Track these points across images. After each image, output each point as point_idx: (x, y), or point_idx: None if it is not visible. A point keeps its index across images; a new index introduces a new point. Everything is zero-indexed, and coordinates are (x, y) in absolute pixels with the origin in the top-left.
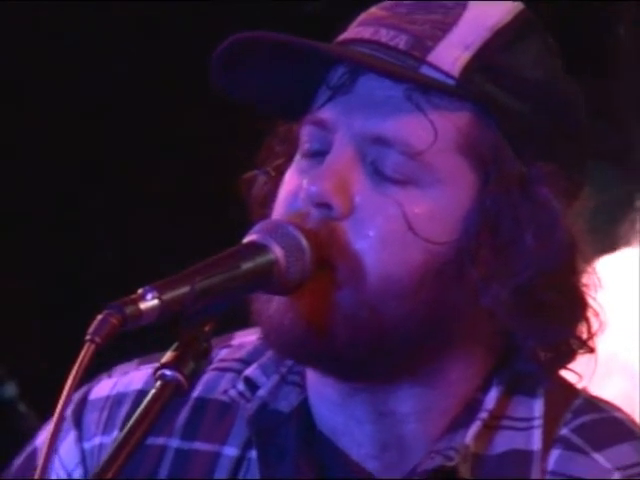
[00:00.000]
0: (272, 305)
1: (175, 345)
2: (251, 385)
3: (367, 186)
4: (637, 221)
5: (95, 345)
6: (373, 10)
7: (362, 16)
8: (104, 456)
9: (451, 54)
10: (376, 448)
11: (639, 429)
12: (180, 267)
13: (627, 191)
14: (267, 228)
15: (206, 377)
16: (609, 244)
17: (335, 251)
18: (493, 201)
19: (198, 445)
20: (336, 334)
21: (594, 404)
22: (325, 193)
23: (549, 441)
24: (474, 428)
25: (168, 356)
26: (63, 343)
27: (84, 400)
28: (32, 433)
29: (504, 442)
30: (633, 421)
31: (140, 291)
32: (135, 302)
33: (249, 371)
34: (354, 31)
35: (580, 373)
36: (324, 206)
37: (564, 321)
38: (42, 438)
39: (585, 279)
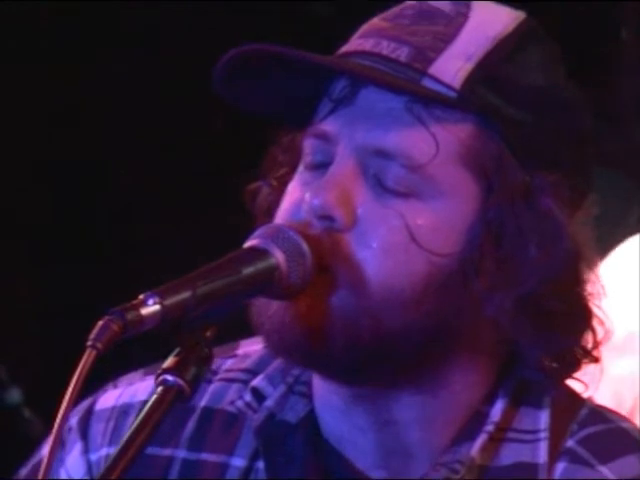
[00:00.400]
0: (272, 306)
1: (176, 350)
2: (258, 395)
3: (369, 198)
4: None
5: (96, 351)
6: (375, 21)
7: (364, 27)
8: (106, 463)
9: (453, 65)
10: (380, 457)
11: None
12: (182, 270)
13: (630, 196)
14: (268, 233)
15: (212, 387)
16: (610, 250)
17: (337, 259)
18: (496, 212)
19: (205, 456)
20: (334, 338)
21: (600, 414)
22: (327, 205)
23: (555, 453)
24: (480, 440)
25: (169, 361)
26: (67, 348)
27: (90, 411)
28: (37, 438)
29: (510, 454)
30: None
31: (141, 297)
32: (136, 308)
33: (256, 382)
34: (356, 43)
35: (585, 383)
36: (326, 218)
37: (569, 330)
38: (45, 450)
39: (590, 288)
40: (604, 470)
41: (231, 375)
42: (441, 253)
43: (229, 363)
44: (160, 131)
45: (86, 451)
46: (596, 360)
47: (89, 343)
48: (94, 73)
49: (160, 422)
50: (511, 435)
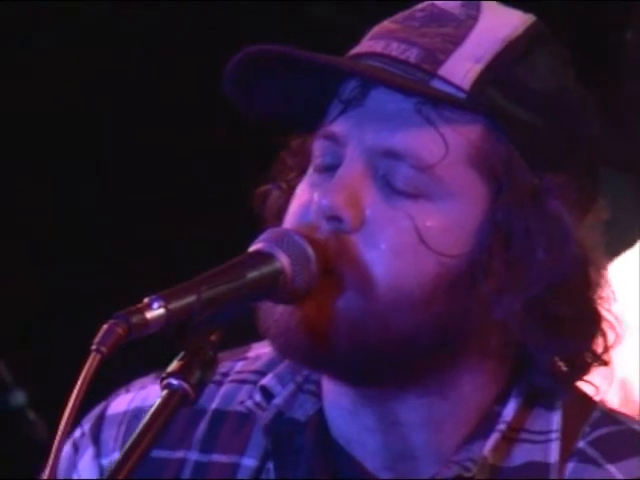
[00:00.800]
0: (277, 311)
1: (181, 354)
2: (267, 394)
3: (378, 199)
4: None
5: (101, 355)
6: (385, 23)
7: (374, 29)
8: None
9: (462, 67)
10: (388, 458)
11: None
12: (183, 270)
13: (637, 200)
14: (273, 237)
15: (223, 390)
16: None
17: (344, 261)
18: (505, 213)
19: (217, 457)
20: (339, 340)
21: (612, 417)
22: (336, 206)
23: (566, 454)
24: (492, 439)
25: (174, 365)
26: (71, 350)
27: (102, 416)
28: (41, 441)
29: (522, 454)
30: None
31: (146, 300)
32: (141, 311)
33: (265, 380)
34: (366, 45)
35: (596, 385)
36: (335, 219)
37: (578, 334)
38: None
39: (599, 291)
40: (612, 469)
41: (241, 377)
42: (450, 254)
43: (240, 365)
44: (160, 131)
45: (98, 456)
46: (606, 363)
47: (94, 347)
48: (94, 73)
49: (165, 425)
50: (523, 436)
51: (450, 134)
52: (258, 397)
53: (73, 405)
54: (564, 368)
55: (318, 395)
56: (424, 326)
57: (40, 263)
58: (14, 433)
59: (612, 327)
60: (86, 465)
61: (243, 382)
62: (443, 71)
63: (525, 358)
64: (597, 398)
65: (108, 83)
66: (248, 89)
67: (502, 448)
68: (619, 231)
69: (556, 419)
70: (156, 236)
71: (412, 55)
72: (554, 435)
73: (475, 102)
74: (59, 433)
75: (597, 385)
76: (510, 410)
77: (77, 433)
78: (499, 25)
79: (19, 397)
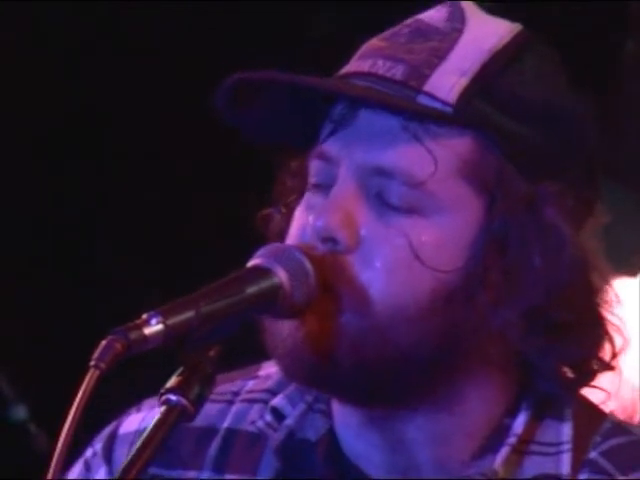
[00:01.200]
0: (284, 329)
1: (180, 370)
2: (278, 415)
3: (372, 218)
4: None
5: (99, 371)
6: (373, 41)
7: (362, 48)
8: None
9: (448, 81)
10: (395, 474)
11: None
12: (185, 285)
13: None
14: (271, 252)
15: (235, 408)
16: (623, 261)
17: (341, 282)
18: (499, 224)
19: (229, 477)
20: (342, 359)
21: (623, 427)
22: (330, 227)
23: (578, 465)
24: (503, 453)
25: (173, 381)
26: (73, 364)
27: (114, 435)
28: (42, 454)
29: (533, 467)
30: None
31: (144, 316)
32: (139, 327)
33: (275, 401)
34: (354, 64)
35: (606, 390)
36: (330, 240)
37: (581, 339)
38: (72, 474)
39: (602, 296)
40: None
41: (252, 396)
42: (445, 269)
43: (251, 384)
44: (161, 133)
45: (110, 474)
46: (612, 369)
47: (92, 363)
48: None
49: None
50: (534, 448)
51: (438, 149)
52: (269, 417)
53: (72, 420)
54: (570, 375)
55: (328, 414)
56: (423, 341)
57: (39, 276)
58: (15, 447)
59: (619, 331)
60: None
61: (254, 401)
62: (428, 86)
63: (531, 368)
64: (607, 404)
65: (107, 87)
66: (241, 114)
67: (513, 461)
68: (620, 241)
69: (566, 430)
70: (157, 244)
71: (398, 72)
72: (565, 447)
73: (462, 115)
74: (58, 448)
75: (607, 390)
76: (520, 423)
77: (89, 453)
78: (484, 36)
79: (20, 411)
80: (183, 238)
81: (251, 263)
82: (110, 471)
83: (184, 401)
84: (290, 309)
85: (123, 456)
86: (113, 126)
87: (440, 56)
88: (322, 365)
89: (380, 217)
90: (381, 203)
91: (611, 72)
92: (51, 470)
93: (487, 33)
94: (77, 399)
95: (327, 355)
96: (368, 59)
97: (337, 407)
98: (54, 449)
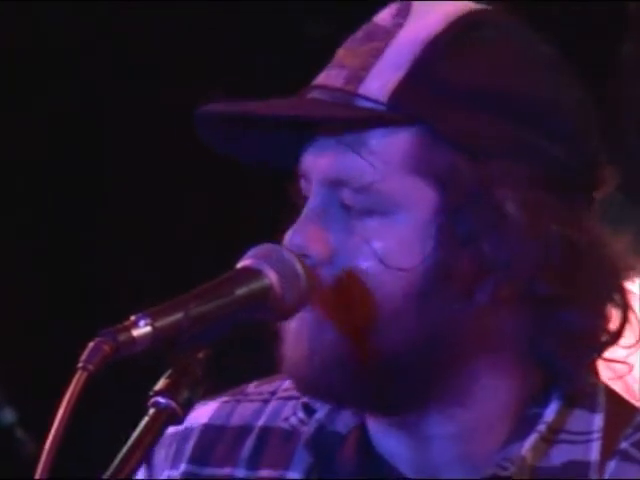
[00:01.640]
0: (290, 345)
1: (169, 372)
2: (309, 410)
3: (339, 228)
4: None
5: (87, 373)
6: (338, 50)
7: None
8: None
9: (380, 79)
10: (423, 468)
11: None
12: (178, 288)
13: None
14: (261, 253)
15: (270, 406)
16: None
17: (318, 295)
18: (454, 211)
19: (263, 473)
20: (332, 372)
21: None
22: (302, 244)
23: (607, 454)
24: (531, 440)
25: (162, 383)
26: (61, 367)
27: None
28: (29, 459)
29: (561, 454)
30: None
31: (133, 318)
32: (127, 329)
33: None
34: (318, 77)
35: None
36: (304, 256)
37: (575, 312)
38: None
39: (596, 268)
40: None
41: (287, 394)
42: (409, 267)
43: (287, 383)
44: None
45: (150, 477)
46: (618, 338)
47: (80, 364)
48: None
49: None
50: (563, 437)
51: (378, 149)
52: (301, 414)
53: (60, 423)
54: (575, 347)
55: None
56: (408, 343)
57: (33, 281)
58: (3, 451)
59: (623, 299)
60: None
61: (289, 399)
62: (363, 89)
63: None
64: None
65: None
66: (231, 146)
67: (541, 448)
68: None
69: (597, 421)
70: (155, 247)
71: (340, 79)
72: (595, 435)
73: (397, 111)
74: (45, 450)
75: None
76: (551, 411)
77: None
78: (423, 27)
79: (8, 415)
80: (183, 238)
81: (241, 264)
82: (149, 474)
83: (173, 404)
84: (281, 311)
85: (162, 458)
86: (113, 126)
87: (376, 55)
88: (317, 379)
89: (345, 226)
90: (347, 212)
91: (611, 72)
92: (38, 473)
93: (427, 23)
94: (65, 401)
95: (320, 370)
96: (326, 70)
97: None
98: (42, 452)
